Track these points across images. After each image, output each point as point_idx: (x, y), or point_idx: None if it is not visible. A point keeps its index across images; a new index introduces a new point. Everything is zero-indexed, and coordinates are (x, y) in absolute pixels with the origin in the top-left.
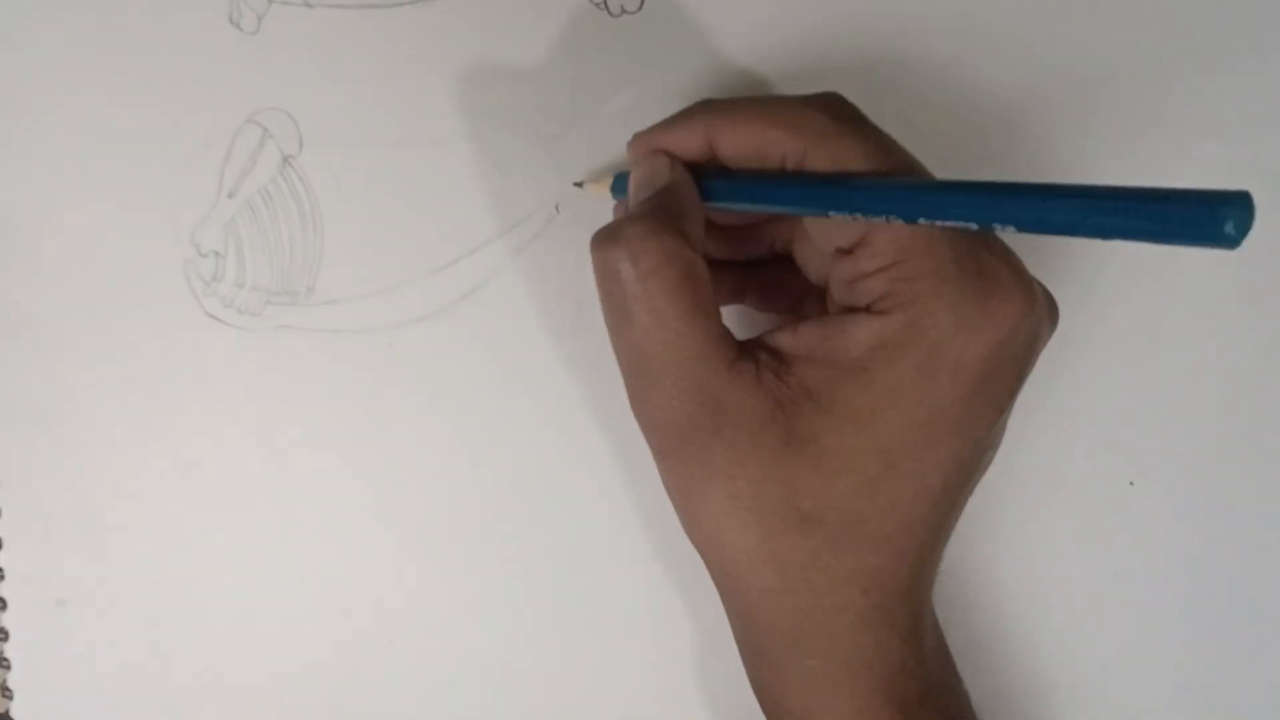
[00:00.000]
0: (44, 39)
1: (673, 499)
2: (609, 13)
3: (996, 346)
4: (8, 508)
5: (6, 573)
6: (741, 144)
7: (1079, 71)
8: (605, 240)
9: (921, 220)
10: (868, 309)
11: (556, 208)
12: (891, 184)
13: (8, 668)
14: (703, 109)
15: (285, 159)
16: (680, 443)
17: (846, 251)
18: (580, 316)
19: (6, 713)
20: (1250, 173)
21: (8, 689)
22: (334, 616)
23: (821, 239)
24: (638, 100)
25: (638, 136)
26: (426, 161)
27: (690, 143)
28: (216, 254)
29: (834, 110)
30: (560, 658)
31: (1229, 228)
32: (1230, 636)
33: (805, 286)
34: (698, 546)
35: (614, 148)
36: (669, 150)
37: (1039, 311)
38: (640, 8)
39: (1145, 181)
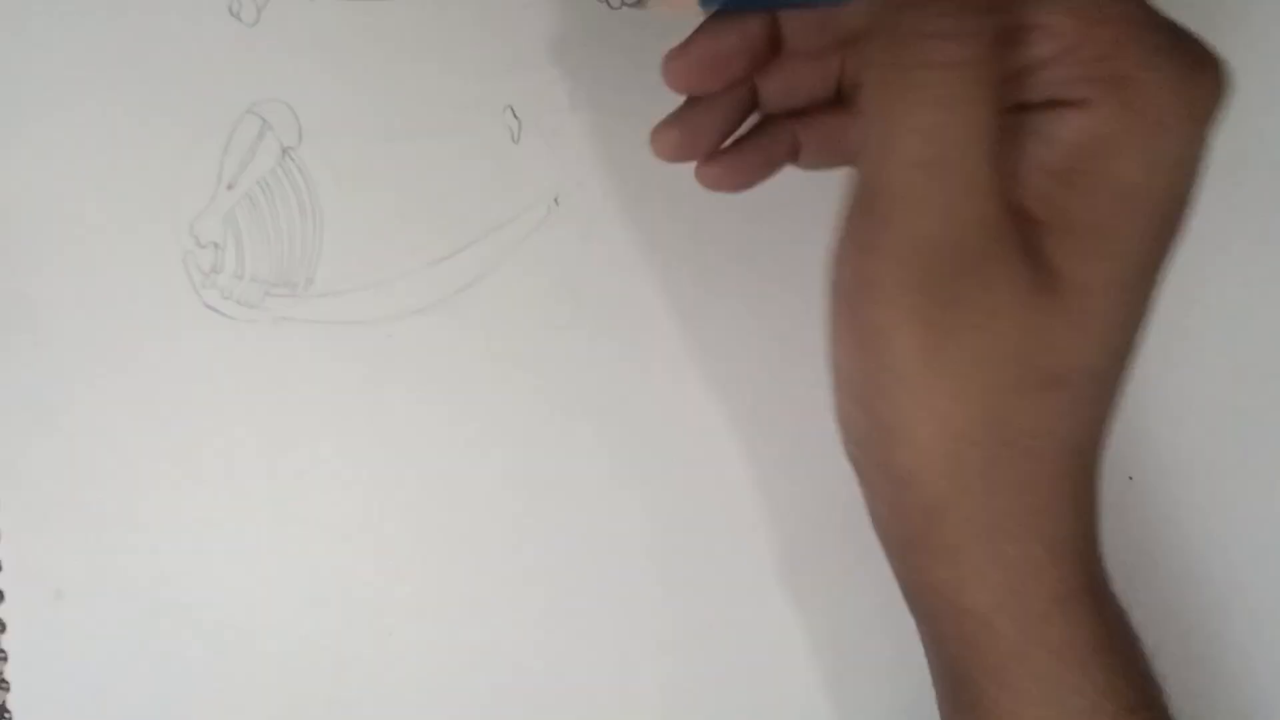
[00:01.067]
0: (44, 31)
1: (867, 370)
2: (609, 5)
3: (1206, 120)
4: (5, 499)
5: (4, 564)
6: None
7: None
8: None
9: None
10: (1055, 104)
11: (555, 200)
12: None
13: (5, 659)
14: None
15: (285, 151)
16: (933, 276)
17: (1015, 36)
18: (579, 309)
19: (4, 704)
20: (1250, 171)
21: (4, 680)
22: (332, 607)
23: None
24: (638, 92)
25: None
26: (426, 154)
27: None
28: (215, 245)
29: None
30: (558, 648)
31: None
32: (1230, 633)
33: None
34: (882, 439)
35: (614, 141)
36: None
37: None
38: (639, 0)
39: None
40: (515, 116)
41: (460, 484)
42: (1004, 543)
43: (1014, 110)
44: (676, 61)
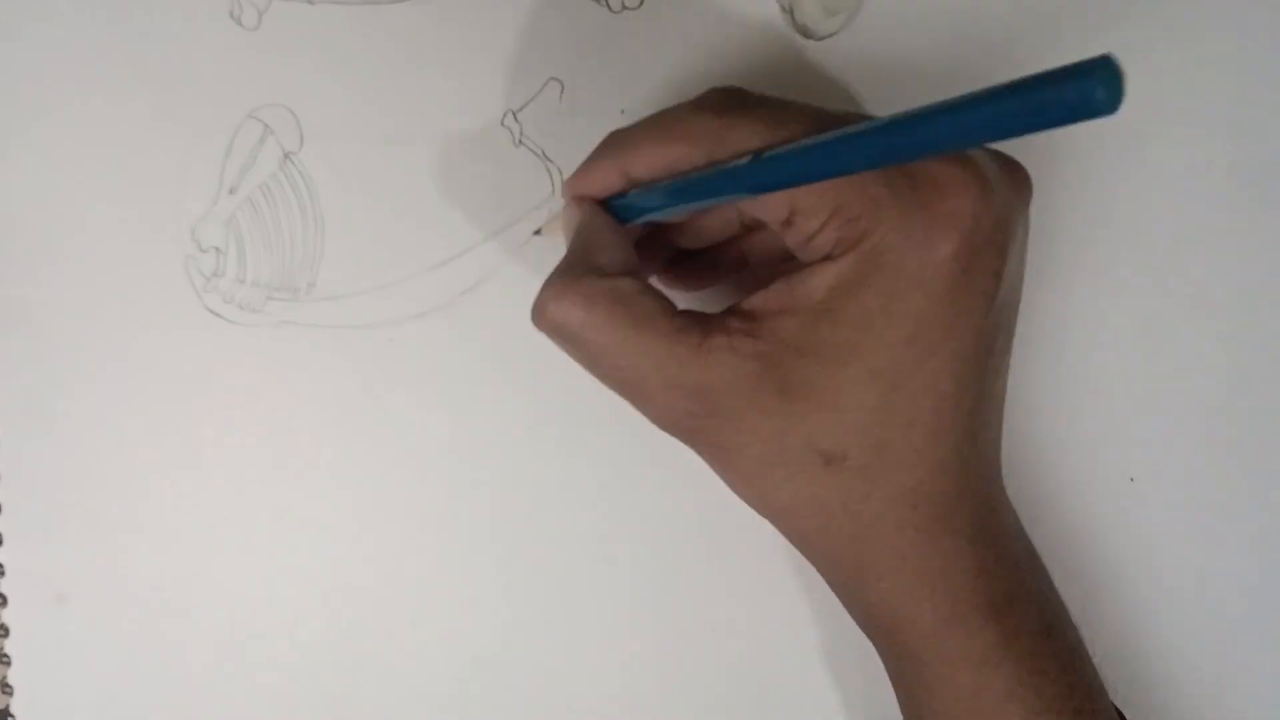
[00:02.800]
0: (46, 36)
1: (724, 480)
2: (609, 9)
3: (961, 243)
4: (7, 503)
5: (6, 569)
6: (652, 166)
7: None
8: (535, 315)
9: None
10: (825, 259)
11: (556, 205)
12: (775, 156)
13: (8, 664)
14: (609, 144)
15: (286, 155)
16: (693, 433)
17: (784, 224)
18: None
19: (6, 709)
20: (1251, 170)
21: (8, 685)
22: (333, 610)
23: (762, 218)
24: (638, 96)
25: (565, 183)
26: (427, 158)
27: (608, 179)
28: (217, 250)
29: (718, 105)
30: (559, 651)
31: (1099, 94)
32: (1231, 633)
33: (766, 258)
34: (755, 510)
35: None
36: (591, 191)
37: (996, 190)
38: (641, 4)
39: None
40: (516, 120)
41: (462, 487)
42: (875, 580)
43: (795, 268)
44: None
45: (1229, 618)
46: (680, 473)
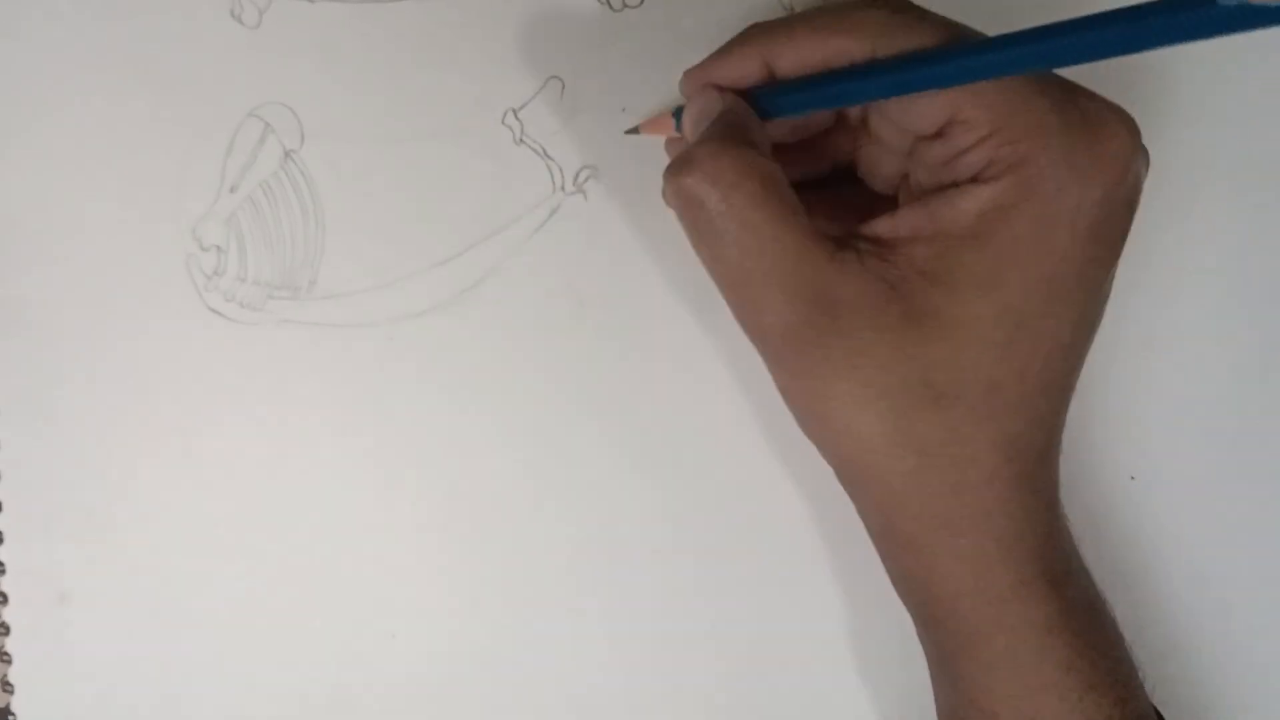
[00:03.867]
0: (46, 34)
1: (795, 405)
2: (610, 7)
3: (1112, 188)
4: (9, 502)
5: (7, 567)
6: (804, 60)
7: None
8: (680, 169)
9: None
10: (973, 180)
11: (558, 202)
12: (966, 49)
13: (9, 662)
14: (758, 32)
15: (287, 153)
16: (798, 345)
17: (933, 136)
18: (582, 310)
19: (7, 707)
20: (1250, 170)
21: (8, 683)
22: (335, 609)
23: (897, 133)
24: (639, 94)
25: (689, 73)
26: (428, 155)
27: (746, 70)
28: (218, 248)
29: (892, 4)
30: (561, 650)
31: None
32: (1231, 632)
33: (870, 200)
34: (826, 448)
35: (615, 142)
36: (726, 79)
37: (1139, 138)
38: (641, 2)
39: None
40: (517, 118)
41: (464, 485)
42: (953, 537)
43: (943, 188)
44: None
45: (1229, 615)
46: (682, 470)
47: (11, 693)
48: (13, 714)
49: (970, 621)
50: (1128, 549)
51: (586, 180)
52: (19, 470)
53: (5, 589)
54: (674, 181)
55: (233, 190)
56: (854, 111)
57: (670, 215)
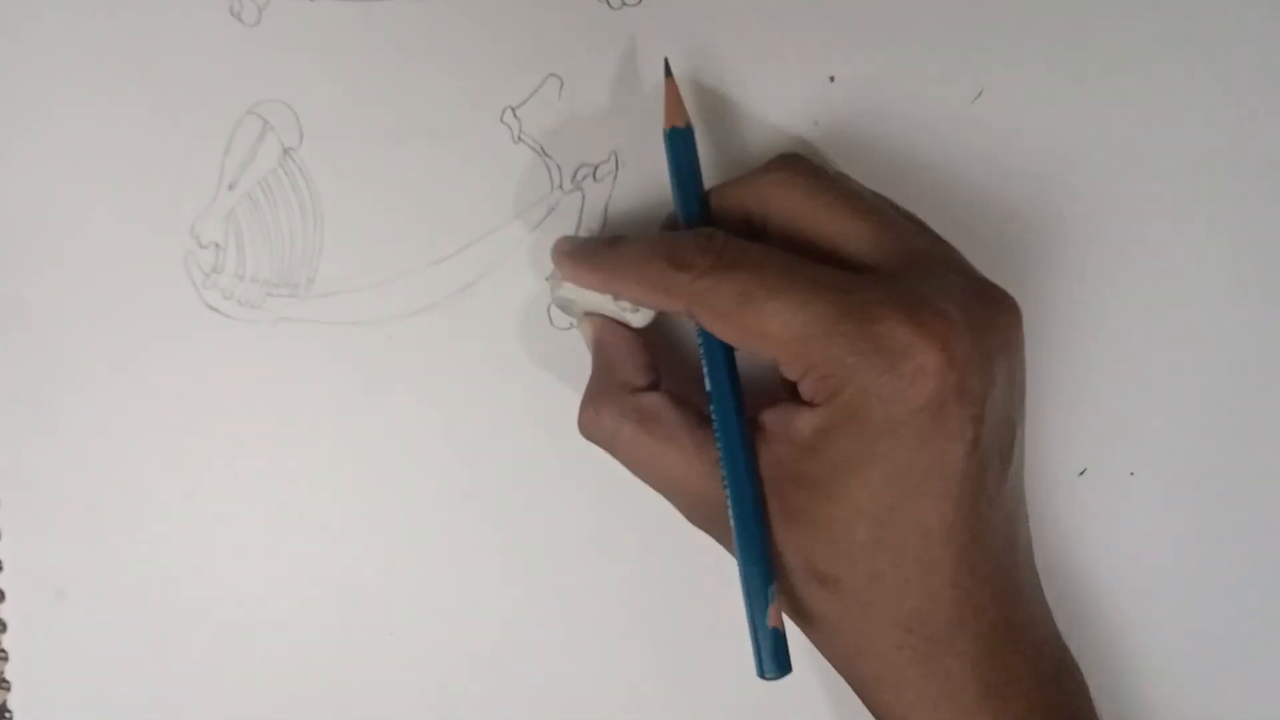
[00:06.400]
0: (45, 32)
1: None
2: (608, 5)
3: (929, 398)
4: (6, 499)
5: (5, 564)
6: (638, 299)
7: (1076, 66)
8: (580, 421)
9: None
10: (810, 403)
11: (555, 201)
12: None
13: (6, 659)
14: (602, 262)
15: (285, 151)
16: (715, 537)
17: (775, 365)
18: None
19: (4, 703)
20: (1250, 168)
21: (5, 680)
22: (332, 606)
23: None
24: (637, 92)
25: (557, 250)
26: (426, 154)
27: (597, 285)
28: (216, 246)
29: (700, 267)
30: (557, 648)
31: None
32: (1231, 627)
33: None
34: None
35: (614, 142)
36: (582, 282)
37: (963, 341)
38: (640, 0)
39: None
40: (515, 116)
41: (461, 484)
42: (880, 693)
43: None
44: None
45: (1229, 612)
46: None
47: (8, 689)
48: (9, 711)
49: None
50: (1126, 543)
51: (585, 178)
52: (17, 467)
53: (3, 585)
54: (583, 432)
55: (231, 188)
56: None
57: (668, 200)
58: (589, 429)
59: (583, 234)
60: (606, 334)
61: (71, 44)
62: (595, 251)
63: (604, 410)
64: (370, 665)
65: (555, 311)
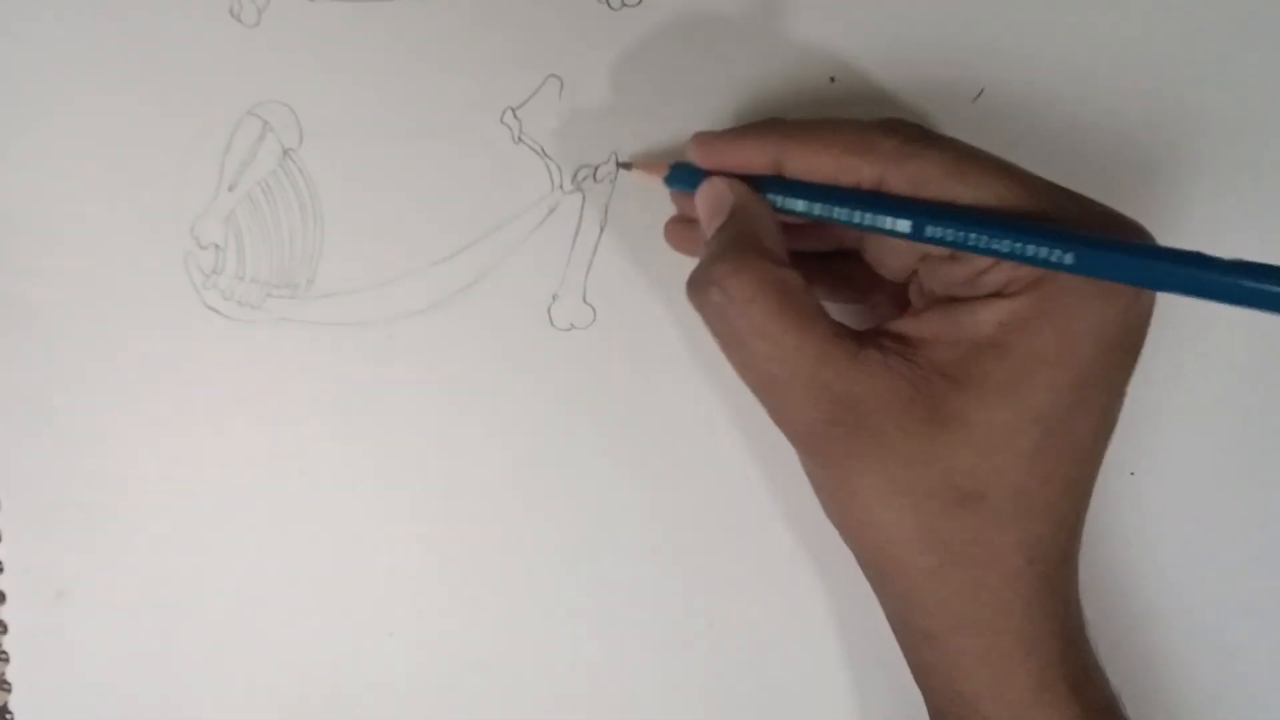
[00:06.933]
0: (45, 32)
1: (824, 498)
2: (609, 5)
3: (1131, 302)
4: (6, 500)
5: (5, 565)
6: (813, 167)
7: (1076, 66)
8: (701, 285)
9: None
10: (992, 295)
11: (556, 201)
12: (951, 217)
13: (6, 660)
14: (774, 129)
15: (285, 152)
16: (826, 443)
17: (954, 255)
18: (580, 308)
19: (5, 705)
20: (1250, 171)
21: (6, 682)
22: (333, 607)
23: (907, 248)
24: (638, 93)
25: (701, 142)
26: (426, 154)
27: (756, 161)
28: (216, 246)
29: (905, 133)
30: (559, 649)
31: None
32: (1231, 628)
33: (874, 279)
34: (852, 538)
35: (614, 142)
36: (735, 166)
37: None
38: (640, 0)
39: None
40: (516, 116)
41: (462, 484)
42: (974, 637)
43: (960, 300)
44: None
45: (1229, 612)
46: (681, 470)
47: (9, 691)
48: (10, 712)
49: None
50: (1127, 544)
51: (585, 179)
52: (16, 468)
53: (3, 587)
54: (696, 296)
55: (231, 188)
56: None
57: (670, 212)
58: (718, 290)
59: (583, 237)
60: (751, 201)
61: (71, 45)
62: (770, 123)
63: (745, 272)
64: (370, 666)
65: (556, 313)
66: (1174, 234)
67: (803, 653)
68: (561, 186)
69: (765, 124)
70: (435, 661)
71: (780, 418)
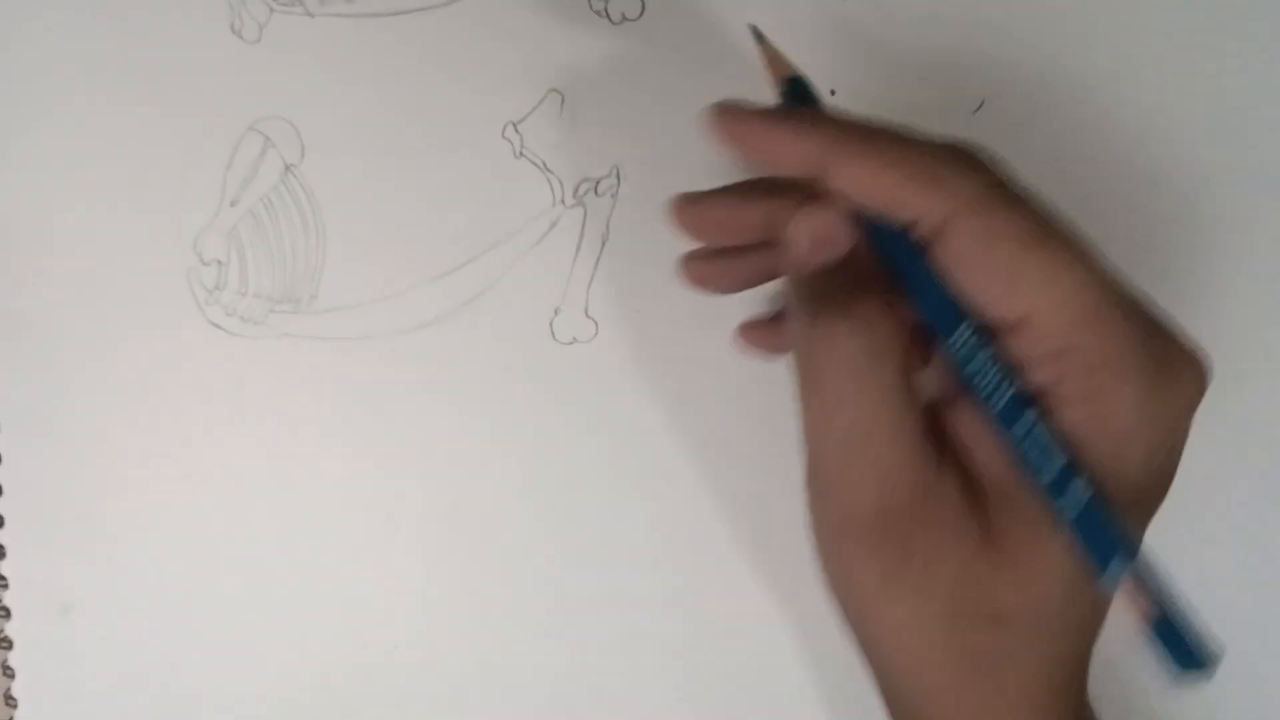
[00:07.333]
0: (47, 51)
1: (844, 589)
2: (609, 20)
3: (1182, 419)
4: (11, 516)
5: (10, 581)
6: (864, 187)
7: (1077, 78)
8: (830, 313)
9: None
10: (1037, 395)
11: (558, 214)
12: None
13: (12, 676)
14: (828, 128)
15: (287, 167)
16: (878, 531)
17: (1013, 329)
18: (583, 321)
19: None
20: (1250, 178)
21: (11, 697)
22: (338, 622)
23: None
24: (638, 106)
25: (726, 113)
26: (428, 169)
27: (795, 157)
28: (219, 262)
29: (985, 173)
30: (564, 663)
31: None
32: (1231, 627)
33: None
34: (863, 639)
35: (615, 156)
36: (761, 150)
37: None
38: (641, 14)
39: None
40: (517, 131)
41: (467, 497)
42: None
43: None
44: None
45: (1229, 612)
46: (683, 482)
47: (15, 706)
48: None
49: None
50: None
51: (586, 193)
52: (21, 484)
53: (8, 603)
54: (820, 325)
55: (233, 204)
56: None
57: (664, 226)
58: (850, 333)
59: (585, 251)
60: (861, 247)
61: (73, 61)
62: (816, 116)
63: (883, 326)
64: (376, 678)
65: (558, 326)
66: (1177, 244)
67: (807, 665)
68: (563, 201)
69: (809, 115)
70: (439, 675)
71: (837, 492)
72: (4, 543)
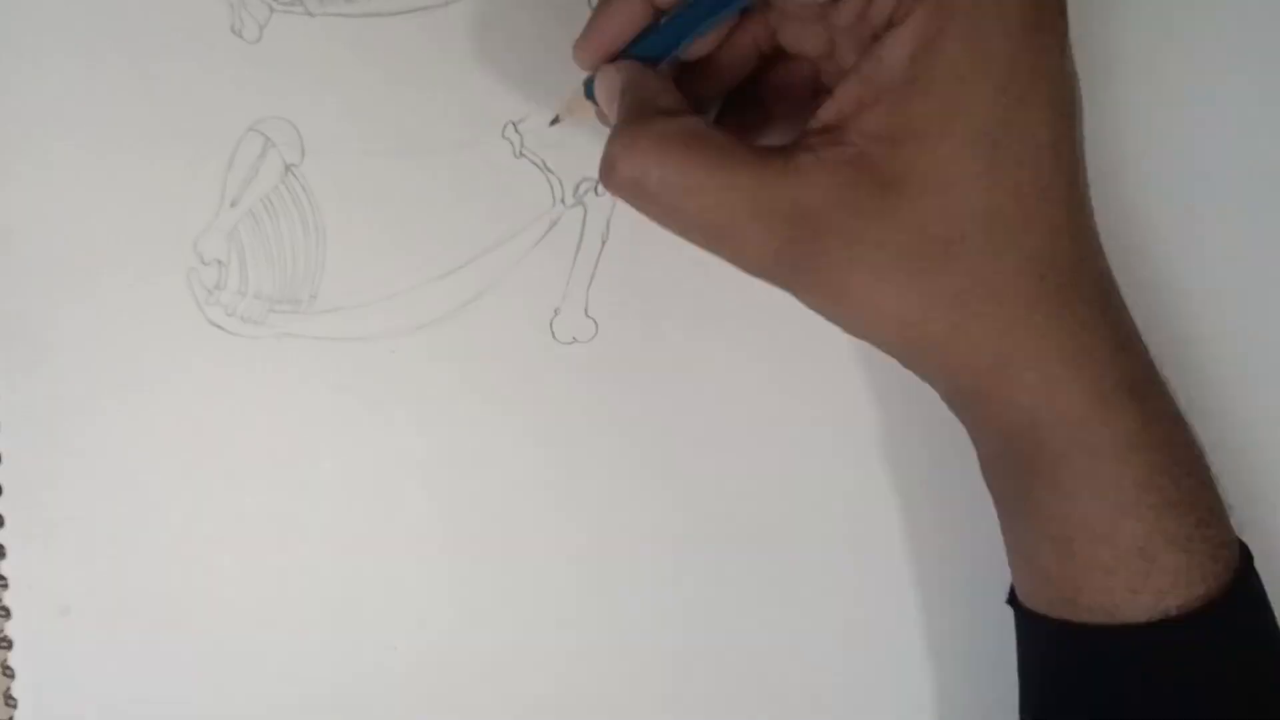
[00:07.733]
0: (47, 50)
1: (827, 313)
2: None
3: (1025, 10)
4: (11, 516)
5: (10, 581)
6: None
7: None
8: (608, 169)
9: None
10: (890, 26)
11: (557, 215)
12: None
13: (12, 676)
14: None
15: (288, 167)
16: (798, 264)
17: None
18: (582, 322)
19: None
20: (1250, 175)
21: (11, 697)
22: (337, 621)
23: (802, 9)
24: None
25: (580, 44)
26: (428, 169)
27: (631, 16)
28: (219, 262)
29: None
30: (560, 662)
31: None
32: None
33: (812, 85)
34: (873, 338)
35: None
36: (617, 40)
37: None
38: None
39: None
40: (517, 131)
41: (465, 498)
42: (1017, 373)
43: (866, 47)
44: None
45: None
46: (685, 482)
47: (15, 706)
48: None
49: (1048, 447)
50: None
51: (586, 193)
52: (21, 485)
53: (8, 603)
54: (608, 181)
55: (234, 205)
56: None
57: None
58: (624, 164)
59: (585, 251)
60: (635, 71)
61: (73, 62)
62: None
63: (642, 136)
64: (374, 679)
65: (558, 326)
66: (1177, 242)
67: (812, 663)
68: (563, 200)
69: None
70: (439, 675)
71: (746, 264)
72: (4, 543)
